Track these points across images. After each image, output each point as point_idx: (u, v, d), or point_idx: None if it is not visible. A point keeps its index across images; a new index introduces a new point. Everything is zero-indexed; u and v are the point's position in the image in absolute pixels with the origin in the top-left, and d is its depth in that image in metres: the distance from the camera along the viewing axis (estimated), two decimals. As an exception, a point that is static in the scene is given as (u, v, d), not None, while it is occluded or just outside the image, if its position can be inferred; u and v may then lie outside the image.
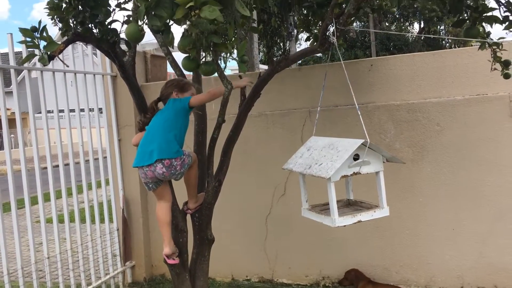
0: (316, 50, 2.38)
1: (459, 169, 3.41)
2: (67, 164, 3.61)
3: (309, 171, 2.30)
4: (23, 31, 1.80)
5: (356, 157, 2.24)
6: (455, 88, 3.40)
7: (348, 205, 2.57)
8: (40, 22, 1.85)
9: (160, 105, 2.71)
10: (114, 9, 2.08)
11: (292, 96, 3.90)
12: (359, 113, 2.27)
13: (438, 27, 29.56)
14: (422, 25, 29.30)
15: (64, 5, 1.94)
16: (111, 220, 4.20)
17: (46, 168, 3.40)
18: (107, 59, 4.18)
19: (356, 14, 2.33)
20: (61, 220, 3.79)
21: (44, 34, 1.82)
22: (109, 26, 2.07)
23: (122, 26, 2.17)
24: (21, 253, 3.17)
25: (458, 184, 3.42)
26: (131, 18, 2.23)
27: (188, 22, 1.43)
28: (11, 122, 3.21)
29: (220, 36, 1.52)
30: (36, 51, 1.97)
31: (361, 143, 2.18)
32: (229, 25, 1.46)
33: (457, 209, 3.44)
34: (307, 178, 2.52)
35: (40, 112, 3.45)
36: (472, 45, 3.64)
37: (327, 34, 2.31)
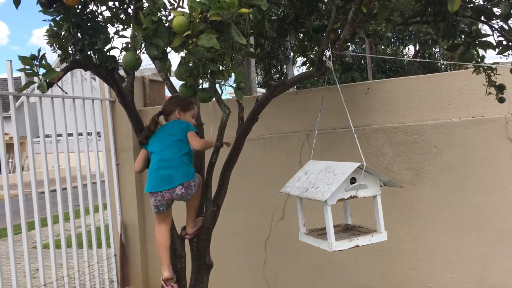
0: (313, 75, 2.40)
1: (457, 190, 3.40)
2: (65, 189, 3.60)
3: (305, 194, 2.29)
4: (22, 59, 1.82)
5: (353, 181, 2.24)
6: (451, 111, 3.42)
7: (347, 230, 2.56)
8: (39, 50, 1.87)
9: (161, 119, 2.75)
10: (112, 37, 2.11)
11: (290, 120, 3.92)
12: (355, 136, 2.28)
13: (433, 49, 30.00)
14: (417, 48, 29.75)
15: (63, 33, 1.96)
16: (108, 246, 4.16)
17: (43, 192, 3.39)
18: (105, 85, 4.21)
19: (352, 39, 2.36)
20: (58, 246, 3.75)
21: (43, 61, 1.84)
22: (107, 53, 2.10)
23: (120, 53, 2.20)
24: (17, 280, 3.13)
25: (457, 206, 3.41)
26: (129, 46, 2.26)
27: (184, 50, 1.45)
28: (9, 146, 3.21)
29: (217, 64, 1.54)
30: (35, 78, 2.00)
31: (358, 166, 2.19)
32: (226, 52, 1.48)
33: (457, 231, 3.42)
34: (305, 202, 2.52)
35: (38, 137, 3.46)
36: (467, 68, 3.69)
37: (323, 59, 2.34)
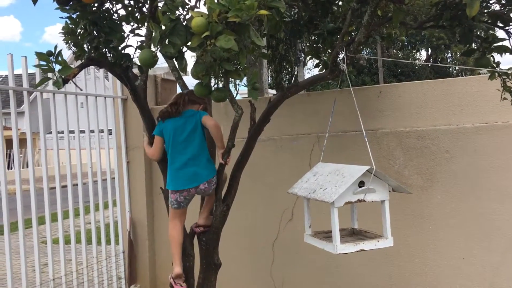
0: (326, 77, 2.40)
1: (469, 197, 3.37)
2: (75, 185, 3.63)
3: (313, 195, 2.29)
4: (39, 55, 1.84)
5: (361, 184, 2.23)
6: (464, 116, 3.39)
7: (353, 234, 2.55)
8: (56, 46, 1.89)
9: None
10: (128, 35, 2.12)
11: (301, 121, 3.91)
12: (366, 139, 2.27)
13: (446, 54, 29.76)
14: (429, 52, 29.52)
15: (79, 31, 1.98)
16: (117, 242, 4.18)
17: (54, 188, 3.42)
18: (118, 83, 4.24)
19: (366, 42, 2.35)
20: (67, 241, 3.78)
21: (59, 58, 1.85)
22: (122, 51, 2.11)
23: (135, 51, 2.21)
24: (27, 274, 3.16)
25: (468, 212, 3.38)
26: (144, 44, 2.28)
27: (200, 50, 1.45)
28: (21, 142, 3.25)
29: (232, 64, 1.54)
30: (49, 74, 2.03)
31: (367, 170, 2.18)
32: (241, 53, 1.48)
33: (467, 238, 3.39)
34: (313, 204, 2.51)
35: (50, 133, 3.49)
36: (480, 74, 3.65)
37: (337, 61, 2.34)
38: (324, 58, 3.36)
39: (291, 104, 3.75)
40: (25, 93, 3.19)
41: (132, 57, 2.14)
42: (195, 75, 1.60)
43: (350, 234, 2.48)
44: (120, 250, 4.18)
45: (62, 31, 2.52)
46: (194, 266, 2.72)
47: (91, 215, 3.85)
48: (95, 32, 1.99)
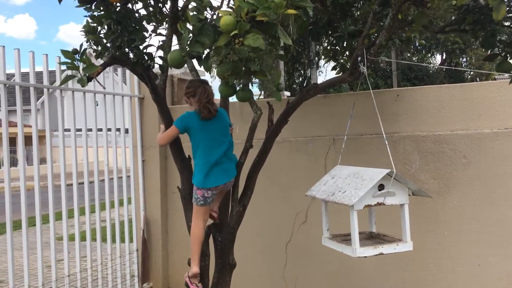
0: (345, 80, 2.39)
1: (485, 203, 3.34)
2: (91, 182, 3.67)
3: (332, 198, 2.28)
4: (64, 53, 1.87)
5: (381, 188, 2.22)
6: (482, 121, 3.36)
7: (371, 238, 2.54)
8: (81, 45, 1.91)
9: None
10: (150, 35, 2.14)
11: (317, 124, 3.91)
12: (386, 143, 2.26)
13: (460, 59, 29.50)
14: (444, 57, 29.28)
15: (101, 30, 2.00)
16: (131, 240, 4.21)
17: (70, 185, 3.45)
18: (135, 82, 4.28)
19: (386, 46, 2.35)
20: (81, 238, 3.81)
21: (84, 56, 1.88)
22: (144, 51, 2.13)
23: (156, 51, 2.23)
24: (43, 270, 3.19)
25: (485, 218, 3.34)
26: (165, 44, 2.30)
27: (227, 49, 1.46)
28: (28, 139, 3.30)
29: (258, 64, 1.55)
30: (67, 71, 2.06)
31: (387, 173, 2.17)
32: (267, 52, 1.48)
33: (483, 244, 3.36)
34: (330, 206, 2.51)
35: (67, 130, 3.53)
36: (495, 79, 3.61)
37: (357, 63, 2.33)
38: (341, 60, 3.36)
39: (307, 106, 3.73)
40: (45, 90, 3.23)
41: (153, 56, 2.16)
42: (220, 74, 1.60)
43: (368, 238, 2.47)
44: (134, 248, 4.21)
45: (83, 29, 2.56)
46: (209, 265, 2.72)
47: (107, 212, 3.88)
48: (118, 31, 2.00)
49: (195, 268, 2.56)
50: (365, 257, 2.19)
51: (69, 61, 1.84)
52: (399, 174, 2.16)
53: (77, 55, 1.86)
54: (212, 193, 2.56)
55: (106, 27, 2.01)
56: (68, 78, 1.95)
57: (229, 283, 2.75)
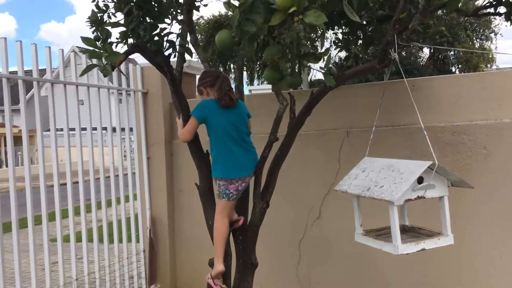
0: (374, 68, 2.28)
1: (507, 195, 3.26)
2: (98, 179, 3.51)
3: (368, 193, 2.17)
4: (86, 40, 1.71)
5: (420, 180, 2.11)
6: (503, 111, 3.27)
7: (404, 231, 2.43)
8: (107, 31, 1.76)
9: None
10: (172, 22, 1.99)
11: (329, 116, 3.78)
12: (425, 133, 2.15)
13: (449, 52, 29.66)
14: (432, 50, 29.41)
15: (108, 16, 1.85)
16: (137, 240, 4.06)
17: (76, 182, 3.29)
18: (138, 76, 4.11)
19: (419, 31, 2.23)
20: (79, 239, 3.62)
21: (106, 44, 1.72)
22: (166, 38, 1.99)
23: (177, 38, 2.08)
24: (50, 274, 3.04)
25: (507, 210, 3.26)
26: (183, 31, 2.15)
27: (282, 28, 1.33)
28: (32, 138, 3.11)
29: (310, 46, 1.42)
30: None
31: (428, 166, 2.06)
32: (322, 34, 1.35)
33: (505, 237, 3.28)
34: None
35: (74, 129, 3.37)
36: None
37: (388, 50, 2.21)
38: (355, 51, 3.24)
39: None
40: (48, 85, 3.06)
41: (175, 44, 2.01)
42: (269, 57, 1.47)
43: (402, 231, 2.36)
44: (140, 249, 4.05)
45: (89, 19, 2.40)
46: (231, 265, 2.59)
47: (113, 212, 3.72)
48: (140, 17, 1.85)
49: (220, 266, 2.43)
50: (407, 254, 2.09)
51: (91, 49, 1.69)
52: (441, 166, 2.05)
53: (99, 43, 1.71)
54: (245, 183, 2.47)
55: (128, 12, 1.85)
56: (90, 67, 1.80)
57: (252, 284, 2.62)
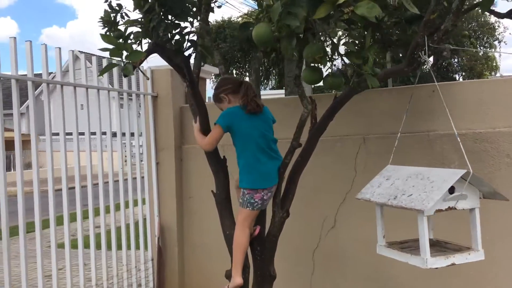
0: (402, 71, 2.17)
1: (532, 205, 3.13)
2: (107, 183, 3.40)
3: (395, 202, 2.05)
4: (105, 37, 1.61)
5: (450, 190, 2.00)
6: (528, 118, 3.16)
7: (430, 245, 2.31)
8: (126, 29, 1.66)
9: None
10: (193, 20, 1.89)
11: (346, 122, 3.66)
12: (459, 140, 2.04)
13: (452, 60, 29.62)
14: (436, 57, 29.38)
15: (144, 15, 1.75)
16: (145, 248, 3.94)
17: (85, 186, 3.19)
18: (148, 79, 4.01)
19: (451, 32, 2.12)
20: (87, 245, 3.51)
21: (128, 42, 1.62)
22: (187, 37, 1.88)
23: (197, 38, 1.98)
24: (58, 281, 2.92)
25: (531, 221, 3.14)
26: (202, 30, 2.05)
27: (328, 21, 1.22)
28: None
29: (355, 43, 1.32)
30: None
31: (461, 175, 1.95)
32: (367, 31, 1.25)
33: (529, 249, 3.15)
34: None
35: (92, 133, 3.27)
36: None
37: (417, 53, 2.11)
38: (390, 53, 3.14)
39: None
40: (58, 87, 2.96)
41: (197, 44, 1.91)
42: (310, 56, 1.37)
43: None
44: (148, 257, 3.93)
45: (101, 20, 2.31)
46: (249, 278, 2.48)
47: (122, 220, 3.61)
48: (161, 14, 1.75)
49: (238, 279, 2.32)
50: (436, 268, 1.97)
51: (111, 47, 1.59)
52: (476, 175, 1.94)
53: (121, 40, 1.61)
54: (270, 193, 2.38)
55: (148, 10, 1.75)
56: (110, 66, 1.69)
57: (269, 297, 2.50)
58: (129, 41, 1.89)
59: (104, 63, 3.06)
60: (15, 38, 2.62)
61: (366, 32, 1.35)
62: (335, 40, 1.50)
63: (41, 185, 2.80)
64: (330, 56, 1.34)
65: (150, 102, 4.04)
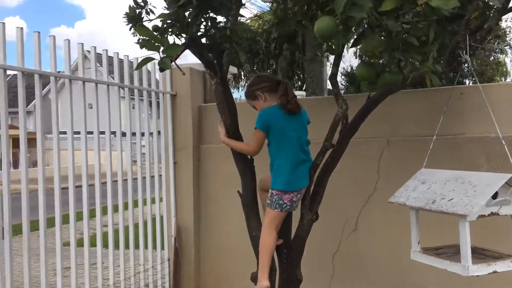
0: (441, 71, 2.08)
1: None
2: (126, 180, 3.35)
3: (434, 206, 1.97)
4: (140, 30, 1.55)
5: (494, 196, 1.92)
6: (561, 122, 3.07)
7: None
8: (163, 21, 1.59)
9: None
10: (229, 15, 1.82)
11: (369, 124, 3.57)
12: (504, 142, 1.96)
13: (463, 65, 29.40)
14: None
15: (181, 9, 1.68)
16: (162, 249, 3.88)
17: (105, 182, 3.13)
18: (167, 77, 3.95)
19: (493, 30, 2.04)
20: (105, 245, 3.44)
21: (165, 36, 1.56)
22: (224, 32, 1.82)
23: (231, 33, 1.91)
24: (77, 283, 2.87)
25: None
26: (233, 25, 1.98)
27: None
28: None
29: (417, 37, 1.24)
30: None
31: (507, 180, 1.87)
32: (431, 26, 1.17)
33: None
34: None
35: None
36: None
37: (457, 52, 2.03)
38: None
39: (357, 104, 3.45)
40: (67, 85, 2.88)
41: (232, 39, 1.84)
42: (368, 50, 1.30)
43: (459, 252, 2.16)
44: (165, 257, 3.87)
45: (125, 16, 2.24)
46: (275, 281, 2.40)
47: (140, 220, 3.54)
48: (197, 8, 1.68)
49: (265, 282, 2.25)
50: (477, 276, 1.89)
51: (147, 39, 1.52)
52: (522, 179, 1.85)
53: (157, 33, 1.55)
54: (300, 195, 2.32)
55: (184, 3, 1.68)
56: (146, 60, 1.63)
57: (295, 301, 2.43)
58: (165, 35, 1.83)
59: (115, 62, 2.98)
60: (21, 28, 2.53)
61: (430, 27, 1.29)
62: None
63: (62, 182, 2.75)
64: (393, 50, 1.27)
65: (169, 100, 3.98)
